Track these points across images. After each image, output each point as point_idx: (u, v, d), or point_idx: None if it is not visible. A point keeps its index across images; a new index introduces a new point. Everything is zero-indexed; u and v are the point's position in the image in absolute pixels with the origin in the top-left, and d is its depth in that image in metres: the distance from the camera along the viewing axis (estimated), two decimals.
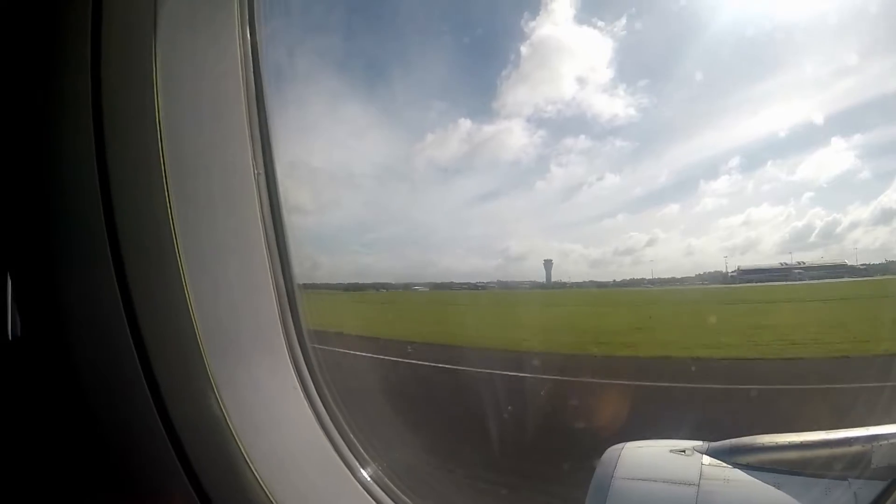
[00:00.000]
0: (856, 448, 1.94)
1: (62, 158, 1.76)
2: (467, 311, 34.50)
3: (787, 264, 53.14)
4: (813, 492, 1.92)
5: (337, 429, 2.17)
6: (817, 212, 59.46)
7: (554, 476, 6.18)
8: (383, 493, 2.14)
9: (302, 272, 2.25)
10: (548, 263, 58.50)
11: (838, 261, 49.78)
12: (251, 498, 1.79)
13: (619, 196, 72.12)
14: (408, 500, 2.19)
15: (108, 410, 1.78)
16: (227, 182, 1.99)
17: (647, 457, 2.20)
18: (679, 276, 55.80)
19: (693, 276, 55.12)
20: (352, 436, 2.21)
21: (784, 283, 47.03)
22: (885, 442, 1.90)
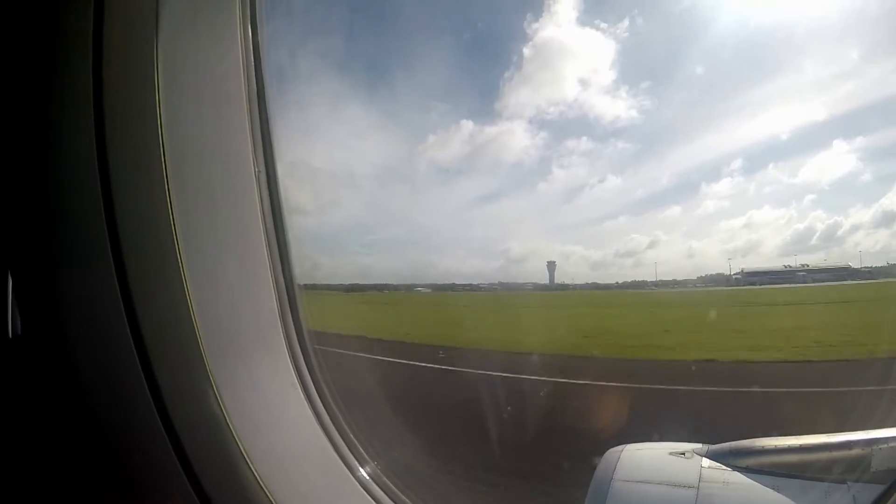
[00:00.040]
0: (855, 451, 1.95)
1: (63, 158, 1.77)
2: (483, 313, 34.14)
3: (790, 267, 53.19)
4: (812, 495, 1.93)
5: (337, 429, 2.18)
6: (819, 214, 59.58)
7: None
8: (382, 493, 2.14)
9: (302, 273, 2.25)
10: (551, 265, 58.58)
11: (842, 263, 49.71)
12: (251, 497, 1.79)
13: (621, 198, 72.33)
14: (407, 500, 2.19)
15: (107, 410, 1.79)
16: (227, 182, 2.00)
17: (646, 459, 2.21)
18: (680, 279, 55.86)
19: (694, 278, 55.23)
20: (352, 436, 2.21)
21: (789, 285, 46.93)
22: (884, 446, 1.91)
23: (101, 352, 1.77)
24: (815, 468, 1.98)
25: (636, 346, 19.39)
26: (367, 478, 2.16)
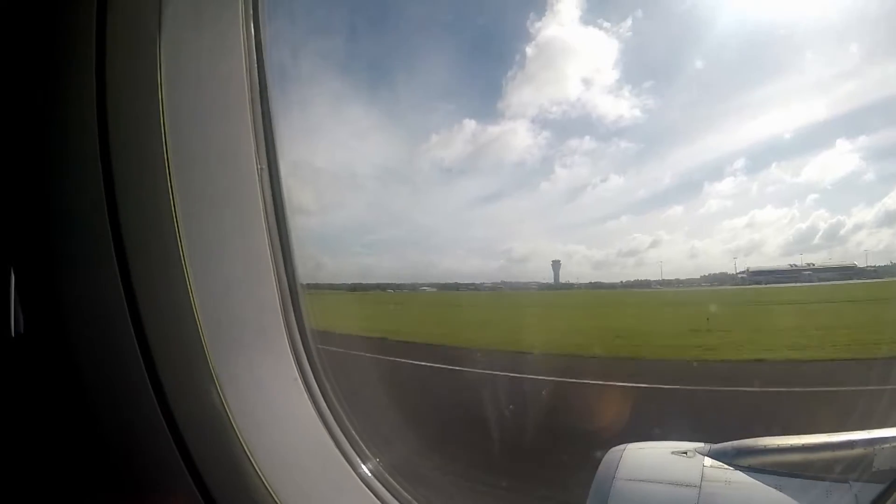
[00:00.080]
0: (857, 451, 1.96)
1: (67, 157, 1.79)
2: (503, 313, 33.56)
3: (796, 266, 53.00)
4: (814, 494, 1.93)
5: (340, 426, 2.18)
6: (821, 214, 59.52)
7: None
8: (385, 490, 2.15)
9: (305, 272, 2.26)
10: (556, 264, 58.58)
11: (847, 262, 49.56)
12: (254, 495, 1.81)
13: (623, 197, 72.32)
14: (409, 497, 2.20)
15: (111, 408, 1.80)
16: (230, 181, 2.02)
17: (648, 458, 2.22)
18: (683, 278, 55.75)
19: (698, 277, 55.12)
20: (354, 433, 2.22)
21: (795, 284, 46.73)
22: (886, 445, 1.91)
23: (104, 350, 1.79)
24: (817, 467, 1.98)
25: (677, 346, 19.08)
26: (370, 475, 2.17)
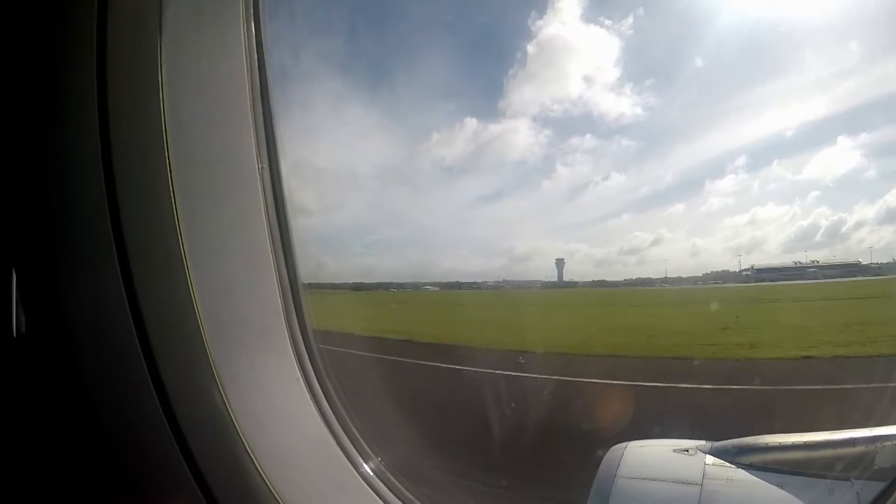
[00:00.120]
0: (858, 448, 1.96)
1: (68, 156, 1.80)
2: (515, 312, 33.55)
3: (800, 263, 52.94)
4: (816, 492, 1.94)
5: (342, 426, 2.20)
6: (823, 211, 60.05)
7: None
8: (387, 489, 2.16)
9: (307, 272, 2.27)
10: (559, 262, 58.75)
11: (851, 259, 49.49)
12: (256, 494, 1.82)
13: (625, 196, 72.79)
14: (411, 496, 2.21)
15: (112, 408, 1.82)
16: (231, 180, 2.03)
17: (650, 456, 2.22)
18: (685, 276, 55.81)
19: (700, 275, 55.21)
20: (356, 432, 2.23)
21: (800, 281, 46.62)
22: (888, 443, 1.91)
23: (106, 350, 1.80)
24: (818, 465, 1.99)
25: (717, 344, 18.58)
26: (372, 474, 2.18)
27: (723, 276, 53.48)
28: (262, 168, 2.06)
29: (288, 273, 2.15)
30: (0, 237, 1.78)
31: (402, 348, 18.66)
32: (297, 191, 2.29)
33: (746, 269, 53.05)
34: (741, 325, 21.82)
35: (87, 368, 1.81)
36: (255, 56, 2.06)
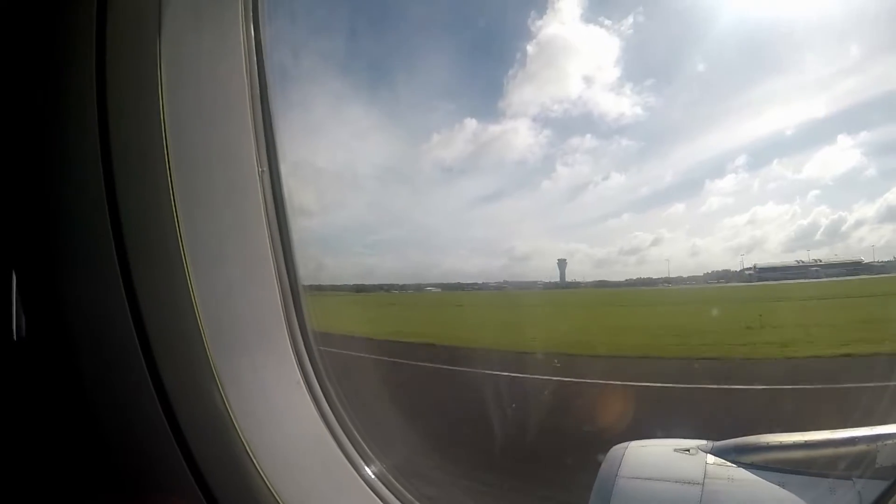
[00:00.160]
0: (860, 447, 1.96)
1: (67, 157, 1.81)
2: (526, 312, 33.39)
3: (803, 262, 52.93)
4: (817, 491, 1.94)
5: (342, 428, 2.20)
6: (823, 210, 60.15)
7: None
8: (387, 491, 2.16)
9: (307, 273, 2.28)
10: (562, 263, 58.89)
11: (854, 258, 49.46)
12: (256, 496, 1.83)
13: (625, 195, 73.12)
14: (412, 498, 2.21)
15: (113, 410, 1.84)
16: (231, 181, 2.04)
17: (651, 456, 2.22)
18: (686, 276, 55.87)
19: (701, 275, 55.31)
20: (357, 434, 2.23)
21: (805, 280, 46.58)
22: (890, 441, 1.91)
23: (106, 352, 1.82)
24: (820, 464, 1.99)
25: (750, 343, 18.01)
26: (373, 476, 2.18)
27: (724, 276, 53.62)
28: (262, 170, 2.07)
29: (288, 274, 2.16)
30: (0, 238, 1.79)
31: (424, 353, 18.25)
32: (297, 191, 2.30)
33: (749, 269, 53.14)
34: (764, 323, 21.49)
35: (87, 369, 1.82)
36: (255, 56, 2.08)
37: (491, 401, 11.27)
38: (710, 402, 11.09)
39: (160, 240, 1.81)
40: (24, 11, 1.76)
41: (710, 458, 2.13)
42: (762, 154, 63.80)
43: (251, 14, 2.06)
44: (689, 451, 2.18)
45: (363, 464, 2.20)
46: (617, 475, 2.12)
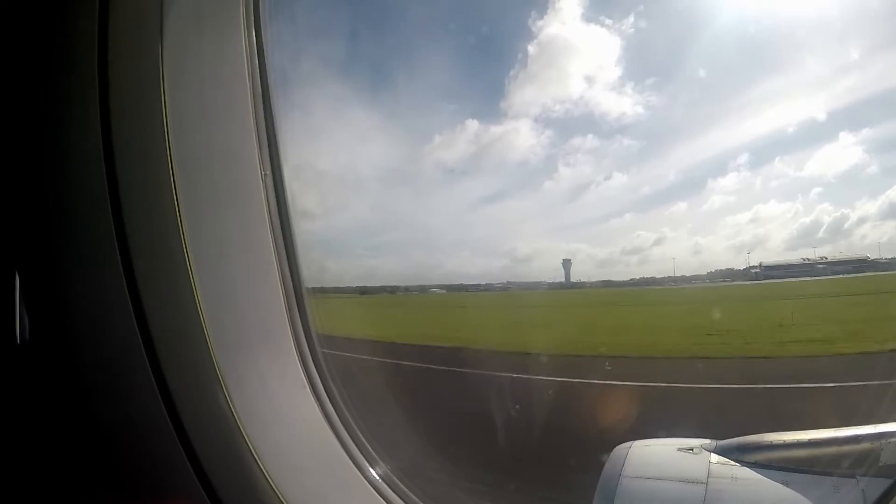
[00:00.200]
0: (864, 445, 1.96)
1: (70, 159, 1.82)
2: (544, 313, 32.85)
3: (809, 259, 52.74)
4: (821, 489, 1.95)
5: (347, 430, 2.21)
6: (825, 207, 59.88)
7: None
8: (393, 493, 2.17)
9: (310, 276, 2.29)
10: (566, 263, 58.91)
11: (860, 255, 49.22)
12: (261, 497, 1.84)
13: (627, 195, 73.20)
14: (417, 499, 2.22)
15: (117, 412, 1.85)
16: (234, 183, 2.06)
17: (655, 455, 2.23)
18: (689, 275, 55.74)
19: (704, 274, 55.15)
20: (361, 436, 2.24)
21: (812, 278, 46.43)
22: (893, 439, 1.91)
23: (110, 354, 1.83)
24: (823, 463, 2.00)
25: (790, 342, 17.65)
26: (378, 478, 2.19)
27: (728, 275, 53.50)
28: (265, 173, 2.08)
29: (291, 275, 2.18)
30: (2, 239, 1.80)
31: (460, 357, 17.62)
32: (299, 194, 2.31)
33: (755, 267, 52.99)
34: (796, 321, 20.99)
35: (90, 371, 1.84)
36: (257, 58, 2.09)
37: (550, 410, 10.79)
38: (824, 402, 10.30)
39: (163, 242, 1.82)
40: (27, 12, 1.77)
41: (714, 458, 2.14)
42: (764, 152, 63.81)
43: (253, 16, 2.08)
44: (692, 450, 2.19)
45: (368, 465, 2.21)
46: (621, 474, 2.13)
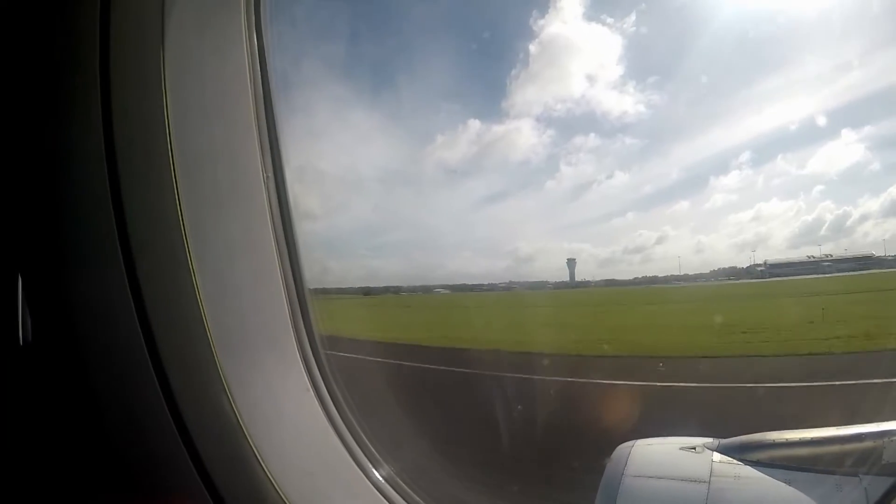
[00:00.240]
0: (867, 444, 1.97)
1: (71, 159, 1.83)
2: (561, 313, 32.46)
3: (813, 257, 52.61)
4: (824, 488, 1.95)
5: (350, 431, 2.22)
6: (827, 205, 60.08)
7: None
8: (396, 494, 2.17)
9: (313, 277, 2.30)
10: (571, 262, 58.94)
11: (864, 252, 49.06)
12: (264, 498, 1.86)
13: (629, 194, 73.39)
14: (421, 501, 2.22)
15: (120, 412, 1.86)
16: (236, 184, 2.08)
17: (657, 454, 2.24)
18: (692, 273, 55.65)
19: (708, 272, 55.13)
20: (365, 438, 2.25)
21: (817, 275, 46.29)
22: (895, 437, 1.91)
23: (113, 355, 1.84)
24: (826, 461, 2.00)
25: (828, 338, 17.16)
26: (381, 479, 2.20)
27: (732, 273, 53.49)
28: (267, 176, 2.09)
29: (294, 277, 2.19)
30: (4, 241, 1.81)
31: (489, 359, 17.35)
32: (301, 195, 2.32)
33: (759, 265, 52.91)
34: (826, 317, 20.61)
35: (93, 372, 1.85)
36: (258, 61, 2.10)
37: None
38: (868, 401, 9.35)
39: (166, 242, 1.83)
40: (28, 12, 1.78)
41: (716, 456, 2.14)
42: (766, 150, 63.89)
43: (254, 17, 2.09)
44: (694, 449, 2.20)
45: (371, 467, 2.23)
46: (623, 473, 2.14)
